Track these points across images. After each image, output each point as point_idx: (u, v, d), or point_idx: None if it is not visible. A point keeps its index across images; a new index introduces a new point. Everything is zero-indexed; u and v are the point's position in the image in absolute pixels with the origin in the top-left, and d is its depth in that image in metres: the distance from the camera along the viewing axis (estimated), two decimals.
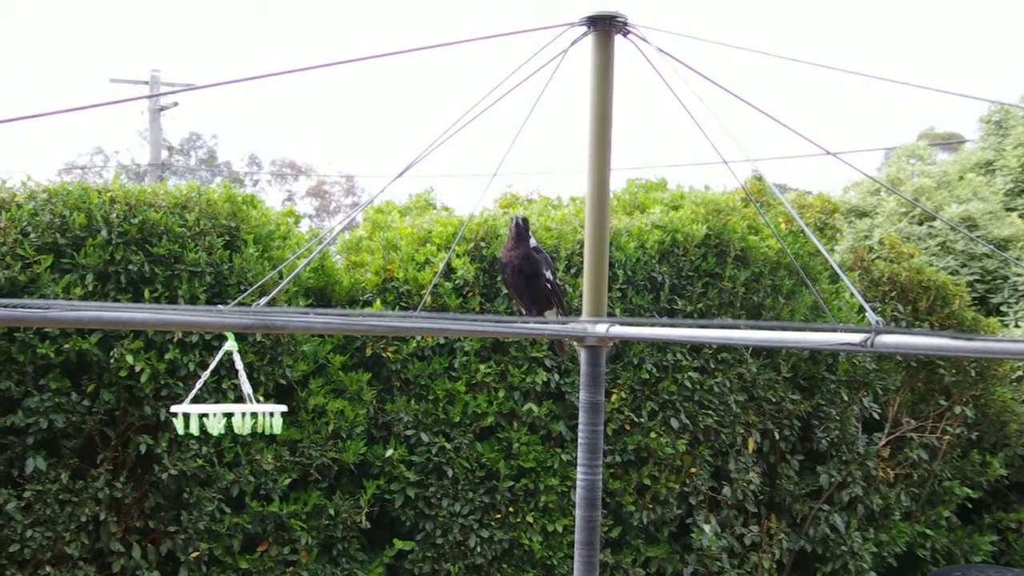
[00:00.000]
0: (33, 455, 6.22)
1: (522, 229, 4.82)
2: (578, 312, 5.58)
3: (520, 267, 4.74)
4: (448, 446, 7.17)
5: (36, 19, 56.35)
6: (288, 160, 42.17)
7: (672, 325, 3.37)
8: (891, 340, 2.48)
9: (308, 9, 61.85)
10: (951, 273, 12.06)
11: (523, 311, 4.89)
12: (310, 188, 40.57)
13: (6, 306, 2.28)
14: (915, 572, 9.39)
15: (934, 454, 9.28)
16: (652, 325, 3.43)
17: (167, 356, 6.40)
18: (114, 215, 6.42)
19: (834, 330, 2.69)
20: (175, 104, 25.24)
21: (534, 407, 7.34)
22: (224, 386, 6.50)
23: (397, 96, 61.09)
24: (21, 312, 2.30)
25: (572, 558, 7.36)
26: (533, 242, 4.82)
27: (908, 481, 9.18)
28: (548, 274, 4.77)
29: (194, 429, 3.94)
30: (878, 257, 9.72)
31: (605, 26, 3.72)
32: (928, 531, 9.29)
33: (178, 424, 3.95)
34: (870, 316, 2.89)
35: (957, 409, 9.27)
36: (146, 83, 24.33)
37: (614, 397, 7.55)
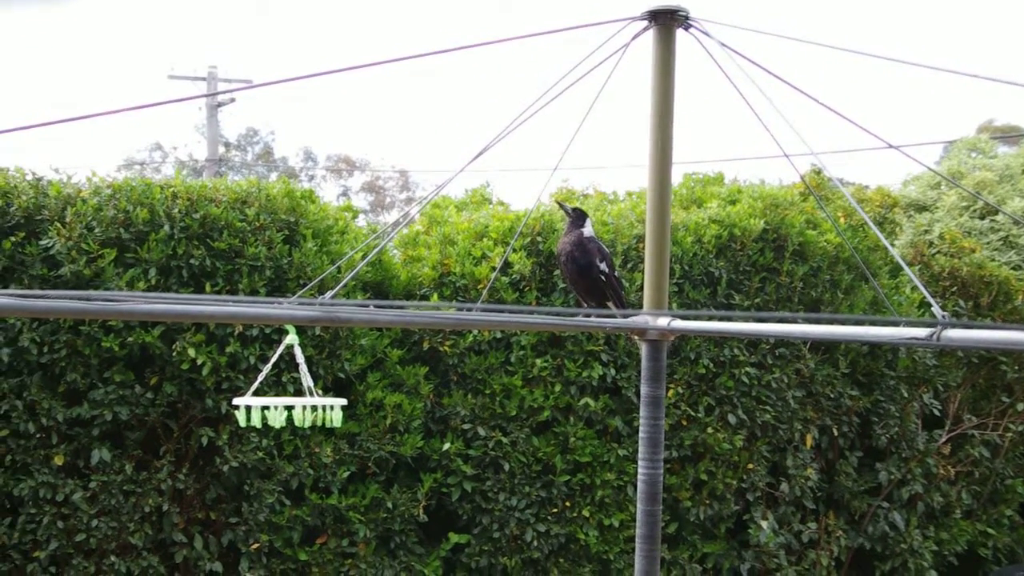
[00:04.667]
0: (98, 446, 6.35)
1: (574, 216, 4.80)
2: (636, 306, 5.57)
3: (572, 254, 4.68)
4: (504, 440, 7.19)
5: (94, 15, 57.31)
6: (343, 155, 42.46)
7: (732, 319, 3.34)
8: (958, 335, 2.42)
9: (357, 8, 62.23)
10: (1014, 268, 11.82)
11: (583, 304, 4.85)
12: (365, 183, 40.84)
13: (81, 299, 2.33)
14: (976, 571, 9.25)
15: (996, 452, 9.14)
16: (711, 319, 3.40)
17: (228, 349, 6.48)
18: (176, 210, 6.52)
19: (898, 324, 2.64)
20: (232, 100, 25.53)
21: (590, 401, 7.34)
22: (283, 379, 6.57)
23: (450, 92, 61.25)
24: (95, 305, 2.35)
25: (628, 553, 7.37)
26: (589, 231, 4.77)
27: (969, 479, 9.04)
28: (603, 265, 4.69)
29: (255, 422, 3.97)
30: (938, 252, 9.56)
31: (667, 20, 3.71)
32: (990, 530, 9.14)
33: (240, 416, 3.98)
34: (936, 310, 2.86)
35: (1020, 406, 9.11)
36: (203, 79, 24.65)
37: (671, 392, 7.52)
